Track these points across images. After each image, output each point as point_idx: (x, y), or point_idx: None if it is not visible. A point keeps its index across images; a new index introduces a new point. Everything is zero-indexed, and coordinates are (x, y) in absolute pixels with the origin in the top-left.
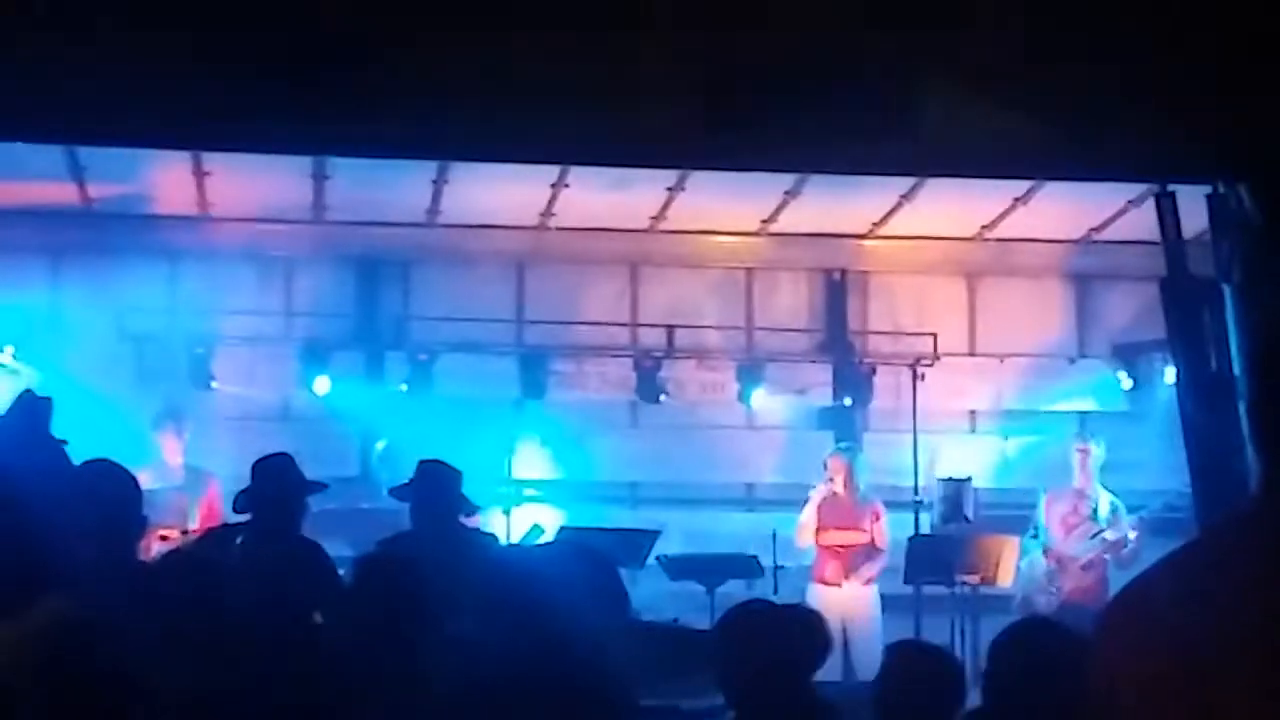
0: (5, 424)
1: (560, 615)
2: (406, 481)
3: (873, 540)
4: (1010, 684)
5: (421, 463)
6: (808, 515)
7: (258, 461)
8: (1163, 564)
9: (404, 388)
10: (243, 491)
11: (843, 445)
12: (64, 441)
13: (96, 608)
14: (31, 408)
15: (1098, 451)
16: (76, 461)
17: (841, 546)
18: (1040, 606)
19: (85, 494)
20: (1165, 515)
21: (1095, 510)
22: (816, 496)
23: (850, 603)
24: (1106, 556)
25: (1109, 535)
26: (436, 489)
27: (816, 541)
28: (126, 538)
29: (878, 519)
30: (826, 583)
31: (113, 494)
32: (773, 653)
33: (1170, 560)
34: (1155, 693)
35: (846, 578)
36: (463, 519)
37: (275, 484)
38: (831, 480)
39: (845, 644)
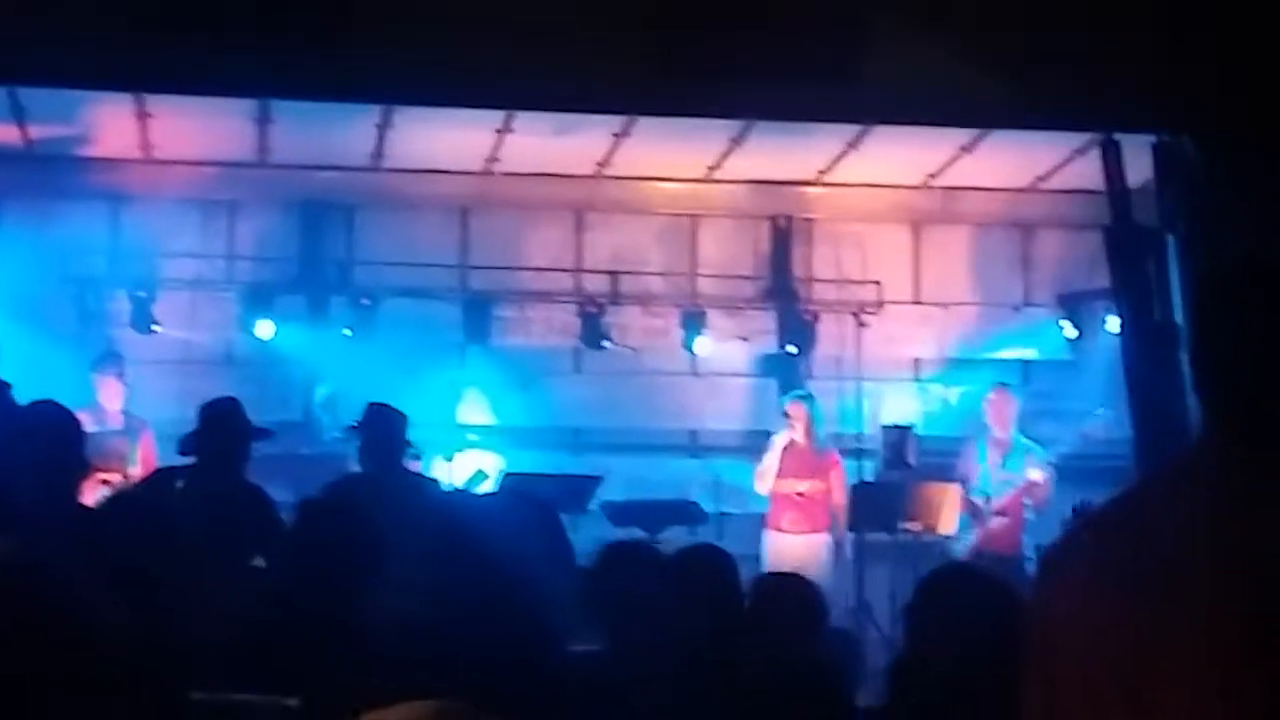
0: None
1: (502, 561)
2: (355, 423)
3: (830, 490)
4: (932, 630)
5: (370, 405)
6: (769, 462)
7: (204, 405)
8: (1106, 507)
9: (348, 332)
10: (188, 434)
11: (801, 393)
12: (7, 384)
13: (38, 549)
14: None
15: (1014, 401)
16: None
17: (799, 495)
18: (956, 554)
19: (27, 435)
20: (1106, 463)
21: (1010, 459)
22: (779, 443)
23: (805, 552)
24: (1026, 502)
25: (1017, 480)
26: (384, 431)
27: (773, 489)
28: (68, 479)
29: (835, 468)
30: (782, 530)
31: (55, 435)
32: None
33: (1113, 504)
34: (1098, 631)
35: (802, 527)
36: (407, 463)
37: (220, 427)
38: (792, 427)
39: None
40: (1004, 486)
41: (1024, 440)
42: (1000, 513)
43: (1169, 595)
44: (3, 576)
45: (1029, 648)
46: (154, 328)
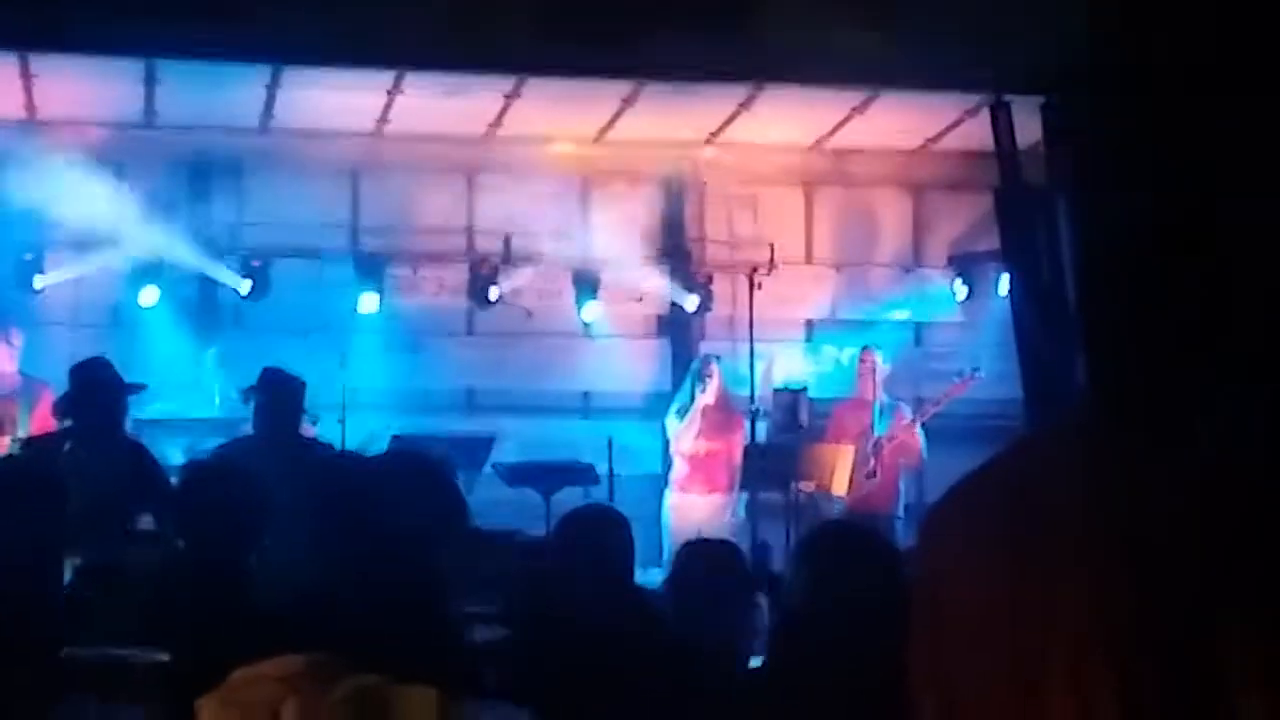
0: None
1: (388, 521)
2: (249, 387)
3: (731, 451)
4: (812, 586)
5: (265, 370)
6: (692, 421)
7: (74, 366)
8: (994, 463)
9: (241, 292)
10: (61, 396)
11: (715, 355)
12: None
13: None
14: None
15: (881, 362)
16: None
17: (706, 455)
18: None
19: None
20: (993, 423)
21: (880, 420)
22: (699, 403)
23: (708, 512)
24: (901, 462)
25: (878, 437)
26: (278, 396)
27: (680, 450)
28: None
29: (740, 429)
30: (686, 490)
31: None
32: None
33: (1001, 459)
34: (978, 587)
35: (706, 487)
36: (303, 428)
37: (92, 386)
38: (705, 388)
39: None
40: (868, 447)
41: (891, 400)
42: (871, 474)
43: (1050, 560)
44: None
45: (912, 604)
46: (39, 289)
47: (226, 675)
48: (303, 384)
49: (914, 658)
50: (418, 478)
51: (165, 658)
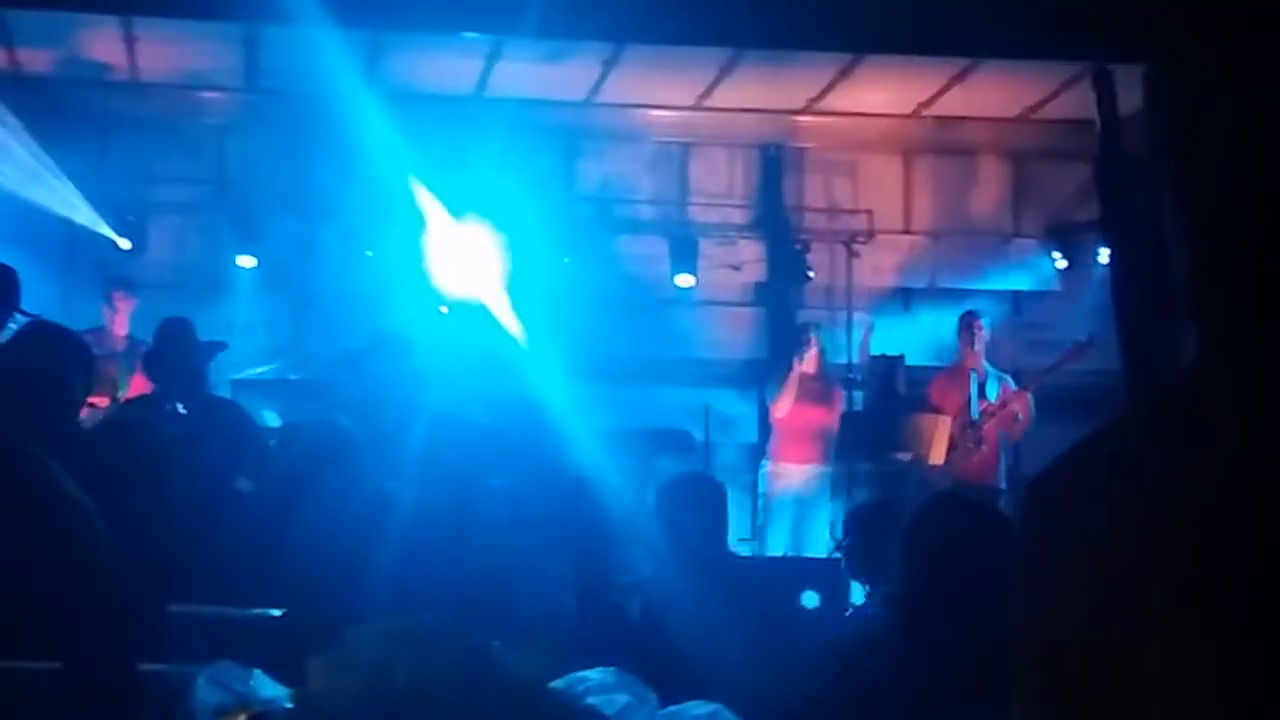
0: None
1: (508, 486)
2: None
3: (830, 422)
4: (925, 557)
5: (378, 334)
6: (789, 390)
7: (157, 326)
8: (1103, 433)
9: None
10: (145, 355)
11: (813, 323)
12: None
13: (33, 476)
14: None
15: (985, 328)
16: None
17: (804, 425)
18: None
19: (25, 355)
20: (1098, 395)
21: (981, 388)
22: (795, 372)
23: (806, 481)
24: (999, 431)
25: (986, 405)
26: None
27: (777, 418)
28: (68, 402)
29: (838, 399)
30: (783, 460)
31: (53, 357)
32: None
33: (1103, 433)
34: (1089, 564)
35: (803, 456)
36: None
37: (170, 345)
38: (804, 357)
39: (797, 522)
40: (983, 416)
41: (995, 369)
42: (978, 443)
43: (1155, 530)
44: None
45: (1018, 577)
46: (133, 250)
47: (337, 634)
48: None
49: (1018, 631)
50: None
51: (276, 614)
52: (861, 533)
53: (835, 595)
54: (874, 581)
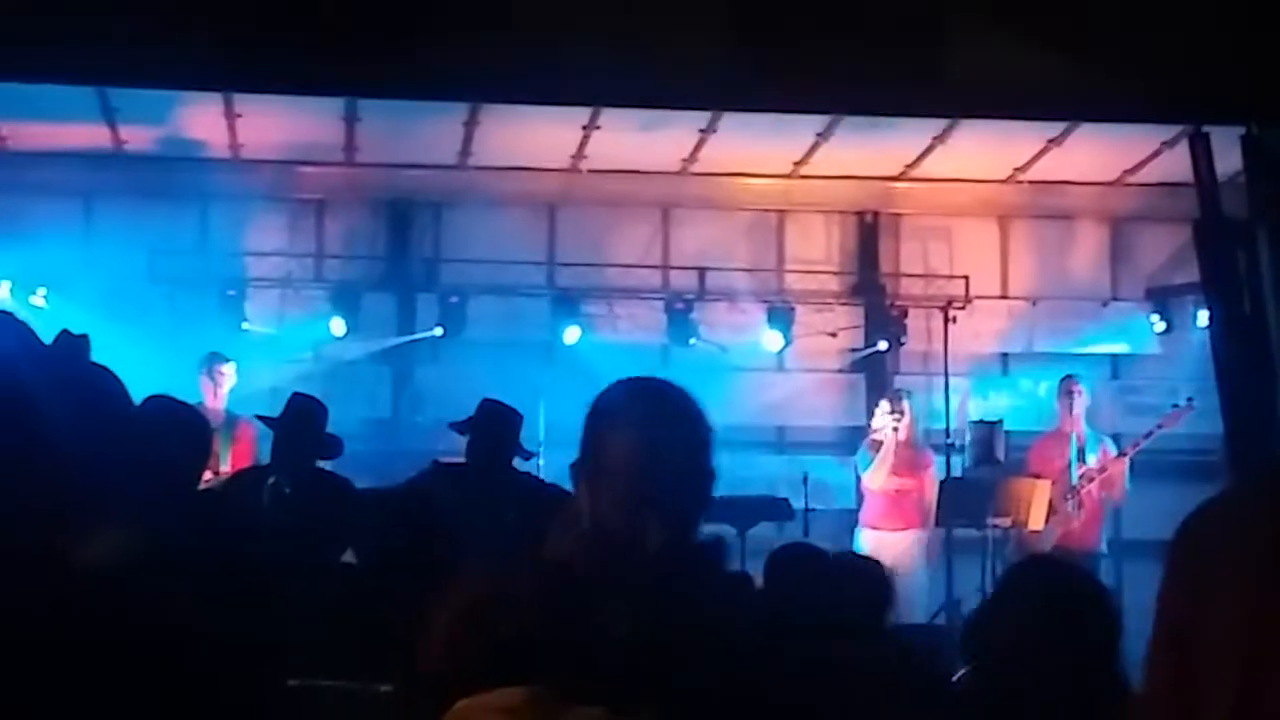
0: (45, 363)
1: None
2: (465, 418)
3: (923, 488)
4: (1015, 621)
5: (484, 401)
6: (884, 458)
7: (287, 401)
8: (1245, 492)
9: (438, 331)
10: (270, 425)
11: (905, 390)
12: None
13: (159, 543)
14: (70, 347)
15: (1083, 391)
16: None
17: (896, 491)
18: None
19: (155, 431)
20: (1197, 459)
21: (1081, 452)
22: (890, 440)
23: (900, 548)
24: (1101, 495)
25: (1086, 470)
26: (496, 429)
27: (871, 486)
28: (191, 476)
29: (931, 465)
30: (877, 528)
31: (184, 434)
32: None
33: (1223, 501)
34: (1228, 614)
35: (898, 523)
36: (517, 462)
37: (295, 422)
38: (897, 425)
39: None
40: (1082, 480)
41: (1095, 432)
42: (1077, 508)
43: (1263, 609)
44: (126, 569)
45: (1155, 622)
46: (243, 326)
47: (450, 706)
48: (520, 417)
49: (1153, 675)
50: None
51: (387, 689)
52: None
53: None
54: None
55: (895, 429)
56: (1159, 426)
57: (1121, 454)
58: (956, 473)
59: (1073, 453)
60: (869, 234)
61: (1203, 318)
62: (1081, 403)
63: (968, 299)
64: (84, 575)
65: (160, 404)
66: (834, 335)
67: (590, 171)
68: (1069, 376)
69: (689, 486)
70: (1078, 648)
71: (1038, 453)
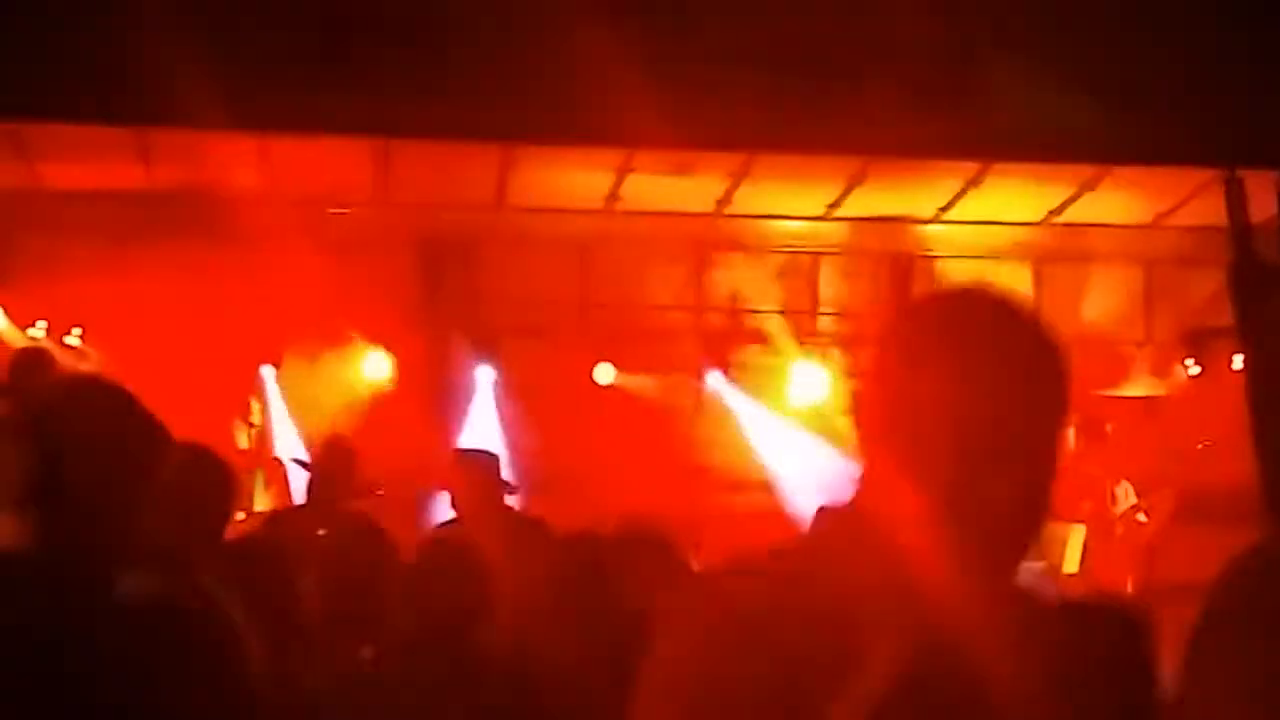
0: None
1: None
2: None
3: None
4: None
5: (458, 450)
6: None
7: (318, 446)
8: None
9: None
10: (304, 469)
11: None
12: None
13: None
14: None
15: (1114, 439)
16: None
17: None
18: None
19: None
20: (1230, 502)
21: (1115, 494)
22: None
23: None
24: (1137, 540)
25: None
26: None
27: None
28: (220, 523)
29: None
30: None
31: (213, 480)
32: None
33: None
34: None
35: None
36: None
37: (328, 465)
38: None
39: None
40: (1118, 523)
41: (1127, 483)
42: (1112, 550)
43: None
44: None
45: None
46: (277, 368)
47: None
48: (495, 457)
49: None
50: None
51: None
52: None
53: None
54: None
55: None
56: (1192, 470)
57: (1156, 497)
58: None
59: (1107, 495)
60: (903, 276)
61: (1238, 361)
62: (1114, 447)
63: None
64: None
65: (189, 453)
66: None
67: (624, 213)
68: (1103, 419)
69: None
70: (1104, 690)
71: (1067, 496)
